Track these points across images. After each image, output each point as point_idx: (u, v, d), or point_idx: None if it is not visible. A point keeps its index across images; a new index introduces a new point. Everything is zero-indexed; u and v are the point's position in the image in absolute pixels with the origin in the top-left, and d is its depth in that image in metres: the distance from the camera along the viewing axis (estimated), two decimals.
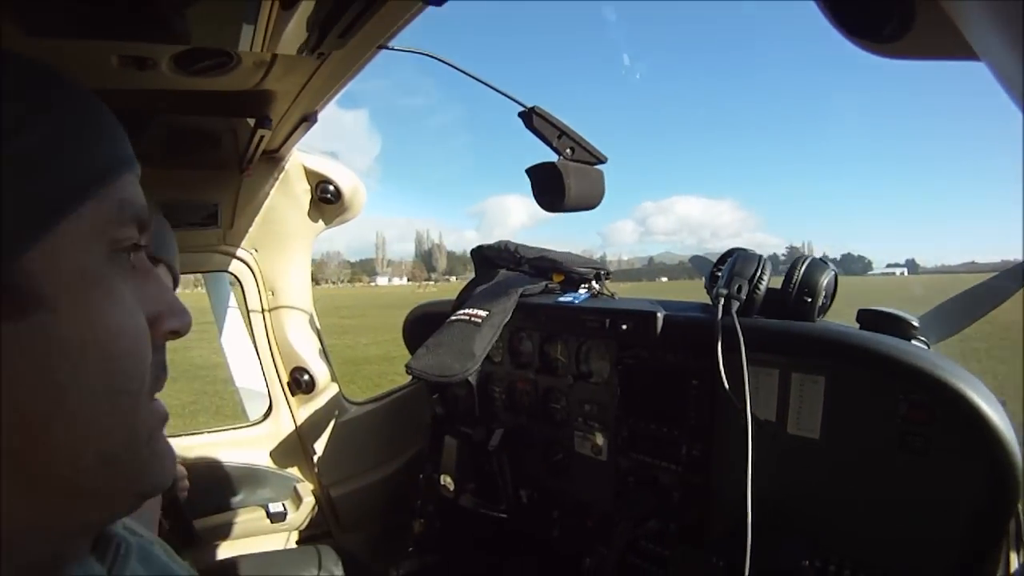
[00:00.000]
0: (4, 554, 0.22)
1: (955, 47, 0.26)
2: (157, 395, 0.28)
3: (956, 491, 0.63)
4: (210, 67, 0.71)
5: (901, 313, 0.71)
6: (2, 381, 0.21)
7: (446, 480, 1.23)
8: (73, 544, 0.26)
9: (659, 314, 0.84)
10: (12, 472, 0.22)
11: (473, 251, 1.22)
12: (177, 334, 0.28)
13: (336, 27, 0.65)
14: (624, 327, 0.87)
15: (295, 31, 0.62)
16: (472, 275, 1.24)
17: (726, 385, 0.72)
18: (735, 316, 0.73)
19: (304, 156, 1.23)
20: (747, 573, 0.68)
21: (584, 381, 1.03)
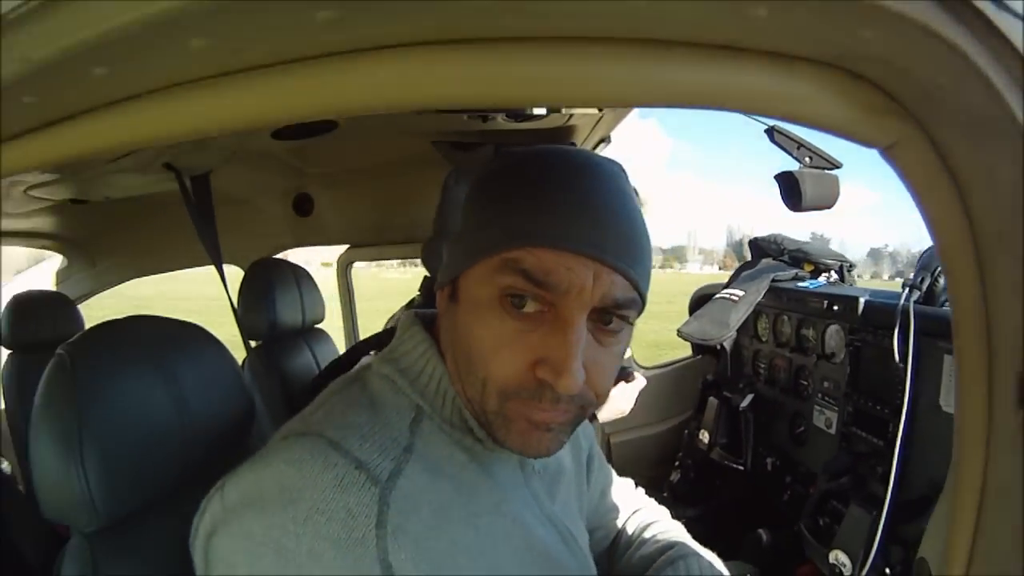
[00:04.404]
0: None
1: None
2: None
3: None
4: (534, 117, 1.26)
5: None
6: (453, 330, 0.54)
7: (703, 435, 1.95)
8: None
9: (861, 298, 1.31)
10: (463, 374, 0.54)
11: (750, 241, 1.90)
12: (548, 385, 0.49)
13: None
14: (835, 308, 1.38)
15: None
16: None
17: (897, 362, 1.22)
18: (911, 303, 1.20)
19: None
20: (881, 526, 1.14)
21: (827, 361, 1.57)
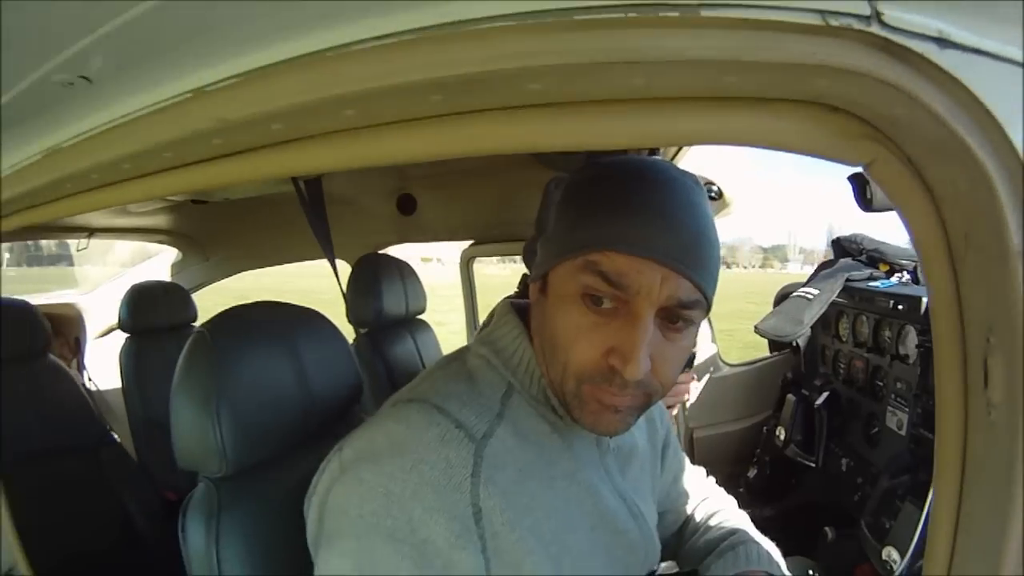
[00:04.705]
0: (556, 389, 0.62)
1: None
2: None
3: None
4: None
5: None
6: (541, 319, 0.63)
7: (780, 431, 2.01)
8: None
9: (925, 298, 1.37)
10: (548, 358, 0.62)
11: (832, 240, 1.94)
12: (617, 372, 0.56)
13: None
14: (900, 307, 1.44)
15: None
16: None
17: None
18: None
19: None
20: (921, 523, 1.16)
21: (901, 362, 1.60)
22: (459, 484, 0.55)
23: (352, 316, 1.83)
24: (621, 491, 0.74)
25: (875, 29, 0.40)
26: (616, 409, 0.60)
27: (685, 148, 1.84)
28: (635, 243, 0.56)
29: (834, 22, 0.40)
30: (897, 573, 1.19)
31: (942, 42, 0.42)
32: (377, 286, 1.88)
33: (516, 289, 1.69)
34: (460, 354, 0.72)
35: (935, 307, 0.52)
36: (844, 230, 2.00)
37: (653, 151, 1.81)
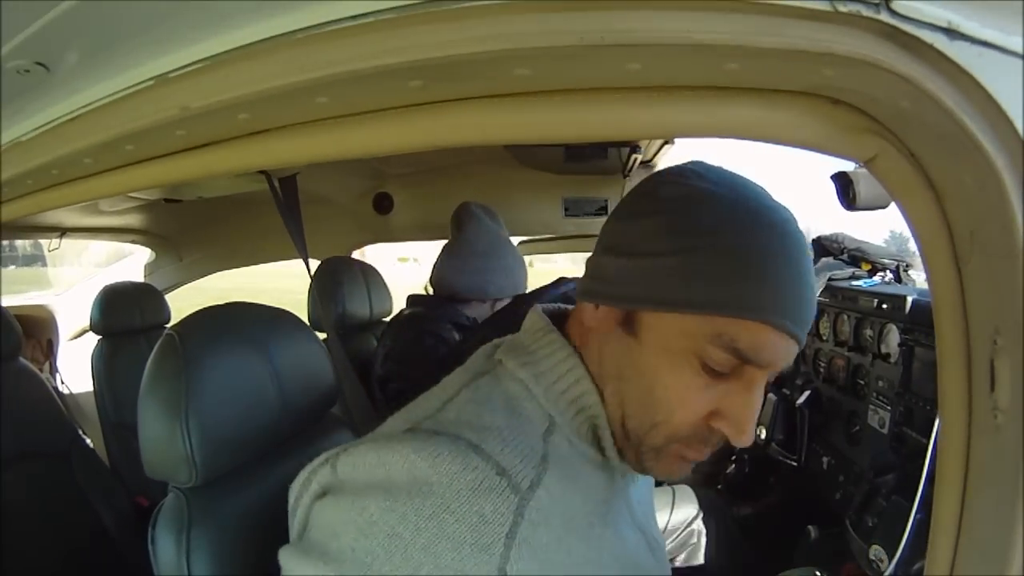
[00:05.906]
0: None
1: None
2: None
3: None
4: None
5: None
6: (626, 362, 0.53)
7: (760, 430, 2.00)
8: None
9: (909, 297, 1.34)
10: (630, 408, 0.54)
11: (813, 240, 1.93)
12: (716, 432, 0.51)
13: None
14: (884, 306, 1.43)
15: None
16: None
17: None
18: None
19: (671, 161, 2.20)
20: (911, 522, 1.13)
21: (883, 360, 1.60)
22: (489, 544, 0.46)
23: (313, 320, 1.74)
24: (639, 523, 0.68)
25: (884, 17, 0.38)
26: (691, 461, 0.56)
27: (670, 144, 1.83)
28: (785, 315, 0.49)
29: (843, 8, 0.37)
30: (887, 573, 1.17)
31: (952, 33, 0.39)
32: (339, 289, 1.82)
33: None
34: (486, 367, 0.60)
35: (938, 307, 0.50)
36: (822, 230, 1.99)
37: (635, 147, 1.80)
